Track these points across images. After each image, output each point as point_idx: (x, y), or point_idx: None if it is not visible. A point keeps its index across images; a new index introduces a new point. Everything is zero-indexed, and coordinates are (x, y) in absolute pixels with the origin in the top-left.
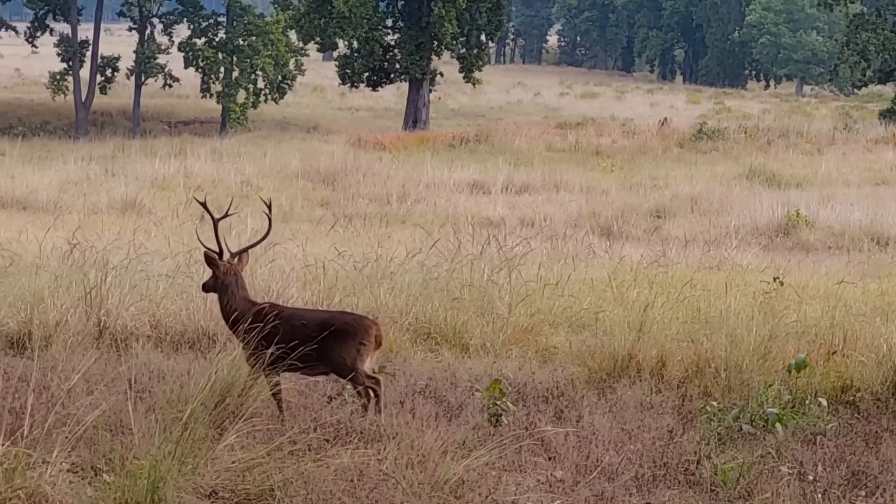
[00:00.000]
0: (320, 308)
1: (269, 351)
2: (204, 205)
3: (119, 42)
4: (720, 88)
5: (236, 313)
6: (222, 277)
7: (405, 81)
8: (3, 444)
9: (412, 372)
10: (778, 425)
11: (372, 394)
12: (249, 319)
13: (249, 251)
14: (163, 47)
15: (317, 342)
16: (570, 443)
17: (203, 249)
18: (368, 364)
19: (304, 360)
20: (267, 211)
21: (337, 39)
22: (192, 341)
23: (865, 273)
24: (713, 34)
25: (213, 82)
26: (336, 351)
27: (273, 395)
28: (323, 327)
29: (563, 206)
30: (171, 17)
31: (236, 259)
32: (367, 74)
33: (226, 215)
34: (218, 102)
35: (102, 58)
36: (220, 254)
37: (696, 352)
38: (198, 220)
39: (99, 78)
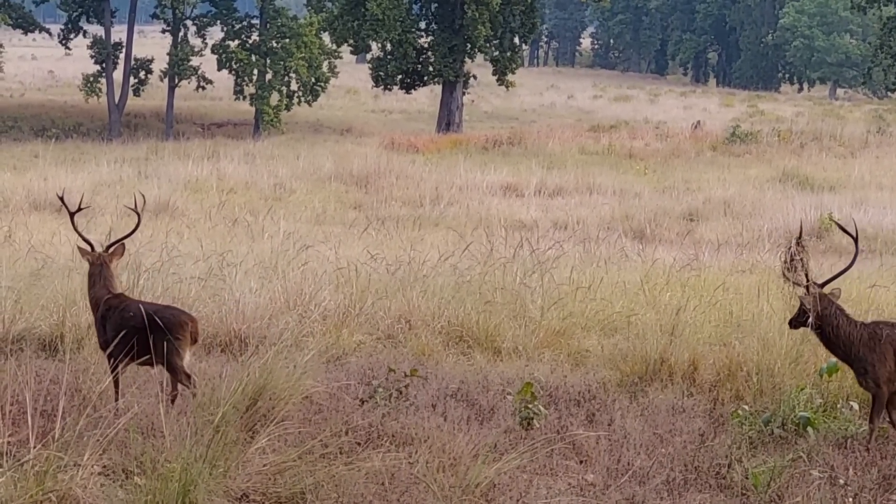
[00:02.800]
0: (157, 302)
1: (126, 341)
2: (62, 199)
3: (152, 44)
4: (753, 91)
5: (93, 302)
6: (90, 268)
7: (438, 84)
8: (34, 447)
9: (444, 375)
10: (809, 429)
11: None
12: (100, 308)
13: (124, 244)
14: (196, 49)
15: (140, 334)
16: (602, 446)
17: (78, 241)
18: (187, 359)
19: (139, 352)
20: (133, 207)
21: (370, 42)
22: (223, 344)
23: None
24: (746, 37)
25: (247, 84)
26: (156, 344)
27: (113, 380)
28: (146, 320)
29: (596, 209)
30: (205, 20)
31: (111, 251)
32: (400, 77)
33: (79, 209)
34: (251, 105)
35: (136, 60)
36: (93, 246)
37: (727, 355)
38: (230, 224)
39: (132, 80)
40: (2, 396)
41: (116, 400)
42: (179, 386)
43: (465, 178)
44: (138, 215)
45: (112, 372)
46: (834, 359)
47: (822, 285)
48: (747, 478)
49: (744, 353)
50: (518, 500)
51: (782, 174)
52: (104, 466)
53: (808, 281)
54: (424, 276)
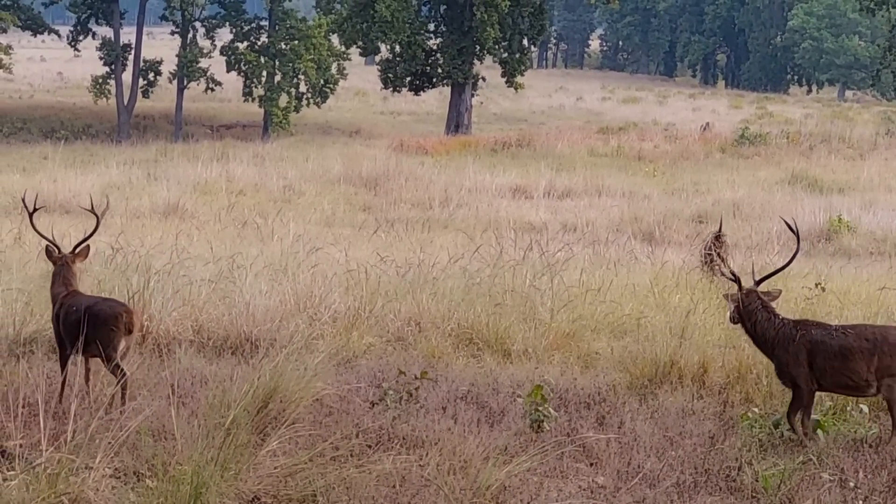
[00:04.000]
0: (99, 296)
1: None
2: (23, 200)
3: (161, 46)
4: (762, 93)
5: (52, 299)
6: (54, 268)
7: (447, 86)
8: (46, 450)
9: (454, 377)
10: (819, 432)
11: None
12: (55, 305)
13: (89, 245)
14: (205, 51)
15: (78, 327)
16: (612, 449)
17: (45, 242)
18: (120, 349)
19: (84, 346)
20: (91, 209)
21: (379, 44)
22: (234, 347)
23: None
24: (755, 39)
25: (256, 86)
26: (93, 336)
27: (62, 373)
28: (85, 313)
29: (606, 212)
30: (214, 21)
31: (76, 252)
32: (409, 79)
33: (35, 209)
34: (260, 106)
35: (145, 61)
36: (59, 248)
37: (737, 358)
38: (240, 226)
39: (141, 82)
40: (13, 399)
41: (60, 396)
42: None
43: (474, 181)
44: (97, 217)
45: (62, 365)
46: None
47: (759, 282)
48: (757, 480)
49: (753, 356)
50: (528, 503)
51: (791, 176)
52: (116, 469)
53: (732, 275)
54: (434, 279)
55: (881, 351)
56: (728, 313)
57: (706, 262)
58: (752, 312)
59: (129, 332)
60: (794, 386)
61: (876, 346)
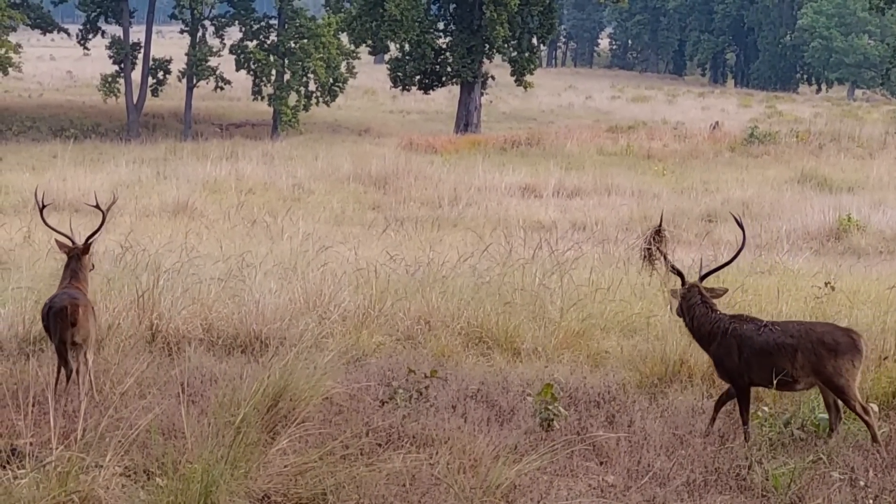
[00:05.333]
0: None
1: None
2: (35, 196)
3: (170, 44)
4: (772, 92)
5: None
6: (66, 260)
7: (456, 85)
8: (56, 448)
9: (464, 376)
10: (829, 431)
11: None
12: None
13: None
14: (214, 50)
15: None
16: (622, 447)
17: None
18: (68, 342)
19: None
20: (96, 205)
21: (388, 42)
22: (244, 345)
23: None
24: (765, 38)
25: (265, 85)
26: (52, 329)
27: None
28: (46, 306)
29: (615, 210)
30: (223, 20)
31: (87, 244)
32: (418, 77)
33: (44, 206)
34: (269, 105)
35: (154, 60)
36: (73, 241)
37: None
38: (249, 224)
39: (150, 80)
40: (24, 397)
41: (55, 387)
42: (80, 371)
43: (484, 179)
44: (102, 212)
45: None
46: None
47: (703, 277)
48: (767, 479)
49: None
50: (538, 502)
51: (801, 175)
52: (126, 467)
53: (675, 270)
54: (444, 277)
55: (804, 347)
56: (673, 308)
57: (645, 257)
58: (691, 307)
59: (74, 324)
60: (731, 381)
61: (799, 342)
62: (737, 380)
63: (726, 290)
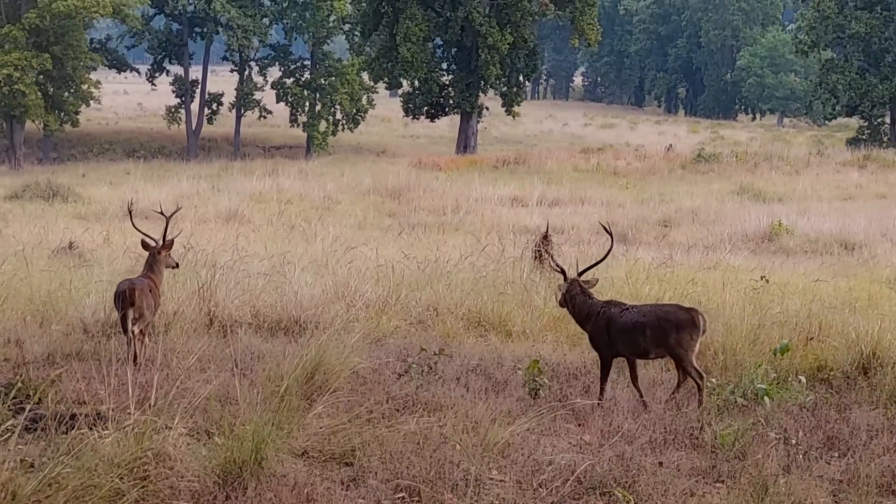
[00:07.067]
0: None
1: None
2: (129, 205)
3: (223, 81)
4: (715, 120)
5: None
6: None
7: (457, 114)
8: (134, 413)
9: (465, 353)
10: (766, 398)
11: None
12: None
13: (173, 239)
14: (259, 85)
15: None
16: (596, 412)
17: (141, 237)
18: (131, 320)
19: None
20: (160, 211)
21: (401, 79)
22: (286, 328)
23: (836, 273)
24: (710, 75)
25: (300, 114)
26: (117, 307)
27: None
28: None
29: (587, 217)
30: (266, 61)
31: (164, 245)
32: (426, 108)
33: (131, 213)
34: (303, 131)
35: (209, 94)
36: (155, 241)
37: None
38: (288, 229)
39: (206, 110)
40: (106, 370)
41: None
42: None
43: (480, 192)
44: (166, 217)
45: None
46: (786, 340)
47: (581, 273)
48: (716, 438)
49: (711, 336)
50: (528, 457)
51: (739, 188)
52: (190, 429)
53: (558, 267)
54: (448, 273)
55: (652, 324)
56: (557, 299)
57: (536, 258)
58: (572, 297)
59: (132, 304)
60: (600, 353)
61: (649, 320)
62: (605, 351)
63: (598, 280)
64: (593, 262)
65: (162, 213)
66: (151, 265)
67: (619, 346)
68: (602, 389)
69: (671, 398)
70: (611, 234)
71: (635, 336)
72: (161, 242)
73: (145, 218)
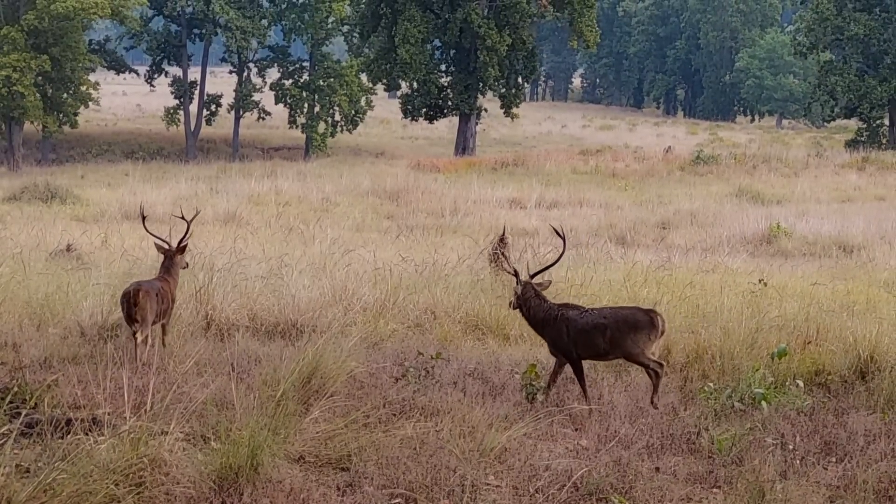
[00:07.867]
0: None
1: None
2: (141, 209)
3: (221, 82)
4: (714, 122)
5: None
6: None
7: (456, 115)
8: (130, 418)
9: (463, 357)
10: (763, 403)
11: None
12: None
13: (187, 243)
14: (257, 87)
15: None
16: (593, 417)
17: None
18: (140, 319)
19: None
20: (182, 216)
21: (400, 81)
22: (283, 331)
23: (834, 276)
24: (708, 77)
25: (299, 115)
26: (122, 308)
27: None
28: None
29: (586, 219)
30: (264, 62)
31: (178, 247)
32: (424, 110)
33: (144, 216)
34: (302, 132)
35: (208, 95)
36: (168, 244)
37: (695, 341)
38: (286, 231)
39: (205, 112)
40: (102, 375)
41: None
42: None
43: (478, 194)
44: (187, 222)
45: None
46: (783, 344)
47: (534, 276)
48: (713, 443)
49: (708, 340)
50: (525, 462)
51: (738, 190)
52: (186, 433)
53: (513, 271)
54: (446, 275)
55: (612, 326)
56: (511, 303)
57: (492, 261)
58: (527, 300)
59: (136, 304)
60: (564, 356)
61: (608, 322)
62: (568, 355)
63: (550, 283)
64: (545, 265)
65: (183, 217)
66: (168, 268)
67: (580, 348)
68: (584, 392)
69: (654, 400)
70: (563, 238)
71: (595, 338)
72: (176, 245)
73: (145, 219)
